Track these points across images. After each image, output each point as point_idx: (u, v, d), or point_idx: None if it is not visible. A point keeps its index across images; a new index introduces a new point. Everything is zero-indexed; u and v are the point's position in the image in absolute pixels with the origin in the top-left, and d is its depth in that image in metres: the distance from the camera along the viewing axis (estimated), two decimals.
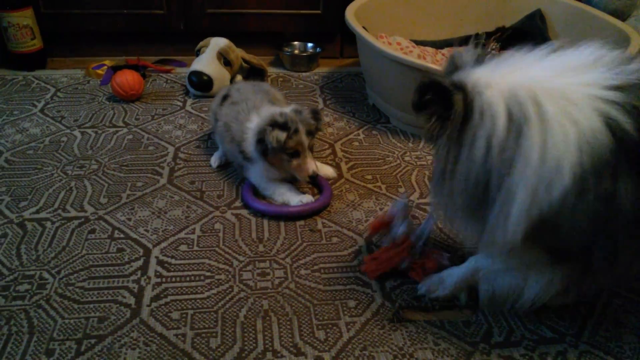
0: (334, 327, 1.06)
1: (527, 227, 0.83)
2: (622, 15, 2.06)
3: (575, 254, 0.90)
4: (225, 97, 1.55)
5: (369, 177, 1.55)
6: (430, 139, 0.90)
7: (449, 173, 0.88)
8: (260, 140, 1.33)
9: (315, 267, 1.21)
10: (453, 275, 1.10)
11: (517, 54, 0.89)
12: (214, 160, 1.58)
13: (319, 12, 2.24)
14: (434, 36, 2.20)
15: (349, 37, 2.04)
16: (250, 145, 1.38)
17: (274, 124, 1.32)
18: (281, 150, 1.33)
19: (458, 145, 0.85)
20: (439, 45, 2.19)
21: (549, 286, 0.95)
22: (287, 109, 1.39)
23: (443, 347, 1.03)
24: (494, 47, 2.09)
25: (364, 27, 1.78)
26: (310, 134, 1.38)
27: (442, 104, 0.84)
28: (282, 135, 1.31)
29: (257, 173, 1.43)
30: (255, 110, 1.42)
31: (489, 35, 2.16)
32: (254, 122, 1.39)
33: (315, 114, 1.40)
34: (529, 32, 2.09)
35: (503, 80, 0.83)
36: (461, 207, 0.90)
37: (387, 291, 1.15)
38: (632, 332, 1.07)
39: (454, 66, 0.91)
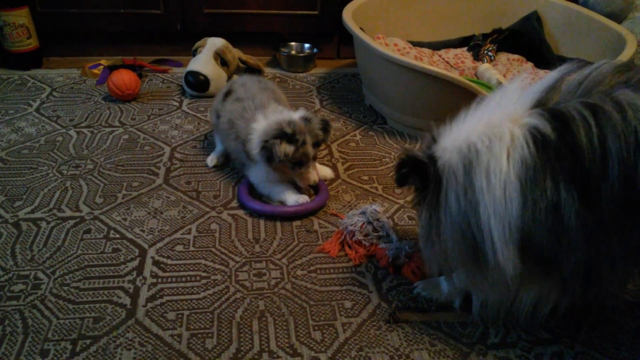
0: (331, 328, 1.06)
1: (517, 250, 0.87)
2: (618, 17, 2.07)
3: (550, 265, 0.91)
4: (227, 93, 1.51)
5: (366, 177, 1.55)
6: (415, 205, 1.03)
7: (435, 236, 0.96)
8: (265, 147, 1.31)
9: (312, 268, 1.21)
10: (449, 283, 1.10)
11: (459, 118, 0.97)
12: (210, 160, 1.57)
13: (316, 12, 2.25)
14: (431, 37, 2.21)
15: (346, 38, 2.05)
16: (254, 147, 1.35)
17: (282, 136, 1.29)
18: (287, 160, 1.32)
19: (437, 208, 0.93)
20: (435, 46, 2.19)
21: (541, 300, 0.96)
22: (296, 116, 1.35)
23: (439, 348, 1.03)
24: (490, 48, 2.10)
25: (361, 28, 1.78)
26: (317, 145, 1.37)
27: (420, 177, 0.96)
28: (290, 149, 1.29)
29: (258, 173, 1.42)
30: (262, 109, 1.39)
31: (485, 36, 2.17)
32: (260, 123, 1.36)
33: (325, 125, 1.37)
34: (526, 34, 2.10)
35: (452, 142, 0.93)
36: (459, 261, 0.95)
37: (383, 292, 1.15)
38: (628, 334, 1.08)
39: (431, 141, 0.99)
